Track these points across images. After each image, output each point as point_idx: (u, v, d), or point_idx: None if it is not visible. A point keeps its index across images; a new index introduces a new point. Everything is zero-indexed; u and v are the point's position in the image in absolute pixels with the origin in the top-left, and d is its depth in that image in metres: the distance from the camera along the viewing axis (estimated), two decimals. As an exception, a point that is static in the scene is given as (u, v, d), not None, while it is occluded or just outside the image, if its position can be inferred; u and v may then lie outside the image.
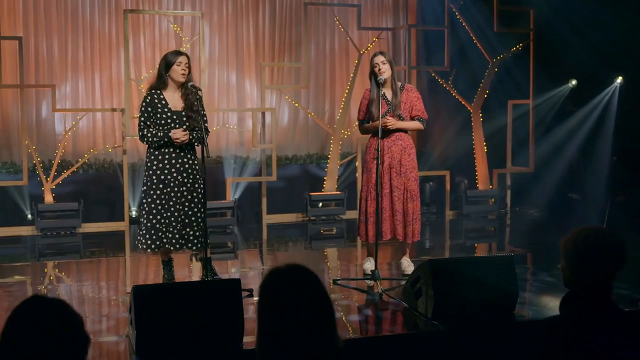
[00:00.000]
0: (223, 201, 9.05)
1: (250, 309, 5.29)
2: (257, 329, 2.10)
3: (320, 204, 9.55)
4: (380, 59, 6.09)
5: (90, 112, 9.72)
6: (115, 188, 9.10)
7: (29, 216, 8.74)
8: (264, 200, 9.41)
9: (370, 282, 5.85)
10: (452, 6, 9.85)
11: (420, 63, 10.74)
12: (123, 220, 8.93)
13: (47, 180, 8.70)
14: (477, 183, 10.10)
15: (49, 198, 8.68)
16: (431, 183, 10.10)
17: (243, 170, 9.81)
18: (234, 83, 10.60)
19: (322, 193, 9.67)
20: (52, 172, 8.74)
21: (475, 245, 8.80)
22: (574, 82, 9.86)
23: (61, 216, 8.63)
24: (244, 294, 5.63)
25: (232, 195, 9.38)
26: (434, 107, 10.85)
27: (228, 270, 7.10)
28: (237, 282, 4.43)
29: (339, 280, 6.08)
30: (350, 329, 4.96)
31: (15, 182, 8.68)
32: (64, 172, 8.88)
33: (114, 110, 9.39)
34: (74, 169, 8.97)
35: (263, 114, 9.59)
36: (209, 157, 5.47)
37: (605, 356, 2.56)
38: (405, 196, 6.12)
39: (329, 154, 9.93)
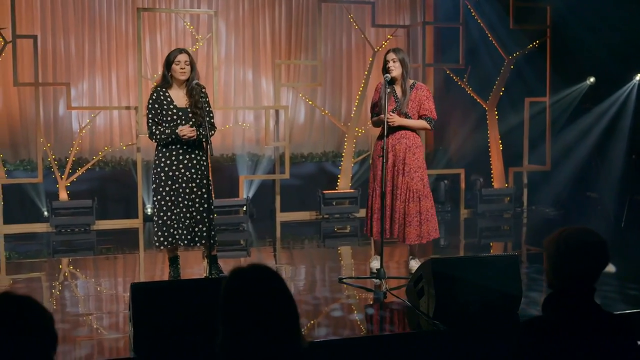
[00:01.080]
0: (235, 199, 9.07)
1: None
2: (219, 328, 2.10)
3: (335, 202, 9.53)
4: (391, 56, 6.07)
5: (107, 110, 9.78)
6: (131, 186, 9.16)
7: (45, 213, 8.82)
8: (278, 198, 9.41)
9: (377, 281, 5.83)
10: (467, 3, 9.76)
11: (432, 60, 10.71)
12: (137, 217, 8.98)
13: (61, 178, 8.78)
14: (492, 181, 10.01)
15: (63, 195, 8.76)
16: (446, 181, 10.03)
17: (258, 168, 9.81)
18: (250, 81, 10.61)
19: (336, 191, 9.64)
20: (67, 170, 8.82)
21: (491, 244, 8.76)
22: (592, 79, 9.74)
23: (75, 213, 8.70)
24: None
25: (247, 192, 9.40)
26: (449, 104, 10.81)
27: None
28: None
29: (344, 278, 6.08)
30: (352, 327, 4.95)
31: (30, 180, 8.77)
32: (79, 170, 8.95)
33: (127, 108, 9.43)
34: (88, 166, 9.05)
35: (277, 111, 9.59)
36: (212, 155, 5.49)
37: (587, 358, 2.52)
38: (407, 196, 6.05)
39: (343, 152, 9.91)
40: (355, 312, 5.29)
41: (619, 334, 2.56)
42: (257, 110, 10.30)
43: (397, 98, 6.09)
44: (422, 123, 6.13)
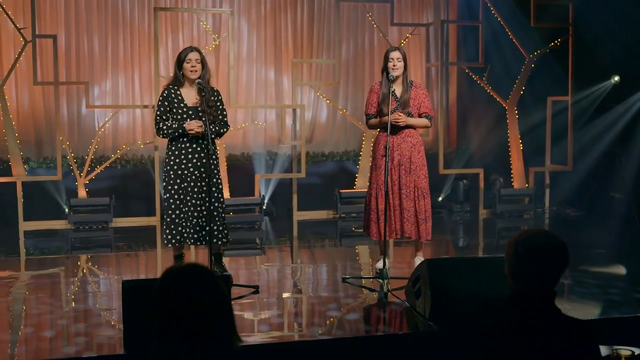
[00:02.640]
0: (251, 197, 9.09)
1: (251, 305, 5.33)
2: (153, 328, 2.10)
3: (352, 201, 9.50)
4: (396, 54, 6.03)
5: (130, 109, 9.89)
6: (150, 183, 9.25)
7: (67, 210, 8.93)
8: (295, 197, 9.41)
9: (388, 281, 5.80)
10: (486, 0, 9.63)
11: (456, 59, 10.62)
12: (155, 215, 9.06)
13: (80, 176, 8.91)
14: (512, 181, 9.88)
15: (82, 193, 8.88)
16: (465, 181, 9.93)
17: (275, 166, 9.83)
18: (272, 80, 10.65)
19: (352, 190, 9.62)
20: (86, 168, 8.93)
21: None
22: (616, 78, 9.55)
23: (93, 211, 8.81)
24: (249, 290, 5.67)
25: (264, 191, 9.44)
26: (471, 103, 10.72)
27: (257, 266, 7.17)
28: (226, 278, 4.46)
29: (348, 278, 6.06)
30: (348, 327, 4.94)
31: (49, 177, 8.90)
32: (97, 168, 9.07)
33: (145, 107, 9.52)
34: (106, 164, 9.15)
35: (294, 110, 9.60)
36: (214, 154, 5.53)
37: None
38: (416, 194, 6.04)
39: (362, 151, 9.89)
40: (354, 312, 5.27)
41: (579, 338, 2.51)
42: (273, 108, 10.32)
43: (398, 97, 6.05)
44: (424, 121, 6.12)
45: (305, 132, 9.50)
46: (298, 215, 9.38)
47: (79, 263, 7.41)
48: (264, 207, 9.30)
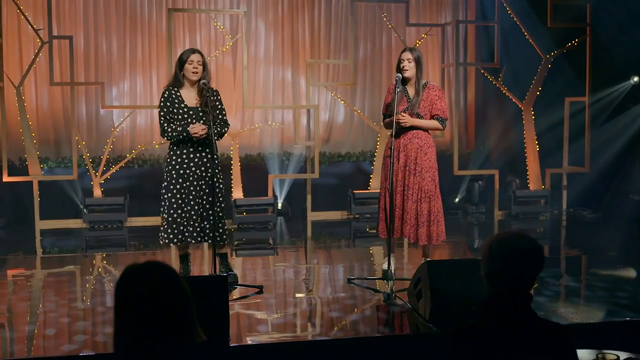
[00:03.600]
0: (263, 197, 9.11)
1: (254, 305, 5.35)
2: (114, 324, 2.12)
3: (366, 202, 9.48)
4: (406, 55, 5.99)
5: (148, 109, 9.97)
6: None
7: (82, 209, 9.03)
8: (309, 197, 9.42)
9: (393, 282, 5.78)
10: (502, 0, 9.56)
11: (474, 59, 10.58)
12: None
13: (96, 175, 9.00)
14: (528, 182, 9.79)
15: (97, 192, 8.97)
16: (480, 182, 9.87)
17: (290, 167, 9.84)
18: (289, 80, 10.68)
19: (366, 191, 9.61)
20: (101, 168, 9.02)
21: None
22: (635, 78, 9.44)
23: (108, 210, 8.90)
24: (253, 290, 5.69)
25: (281, 191, 9.47)
26: (487, 104, 10.66)
27: (269, 266, 7.19)
28: (223, 278, 4.48)
29: (354, 279, 6.06)
30: (348, 328, 4.93)
31: (64, 177, 9.00)
32: (112, 168, 9.16)
33: (158, 107, 9.57)
34: (121, 164, 9.24)
35: (308, 110, 9.62)
36: (216, 154, 5.55)
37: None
38: (419, 196, 5.98)
39: (376, 152, 9.87)
40: (356, 313, 5.25)
41: (554, 341, 2.48)
42: (287, 109, 10.34)
43: (410, 98, 6.01)
44: (434, 123, 6.02)
45: (319, 133, 9.49)
46: (312, 216, 9.40)
47: (94, 262, 7.49)
48: (279, 208, 9.34)
